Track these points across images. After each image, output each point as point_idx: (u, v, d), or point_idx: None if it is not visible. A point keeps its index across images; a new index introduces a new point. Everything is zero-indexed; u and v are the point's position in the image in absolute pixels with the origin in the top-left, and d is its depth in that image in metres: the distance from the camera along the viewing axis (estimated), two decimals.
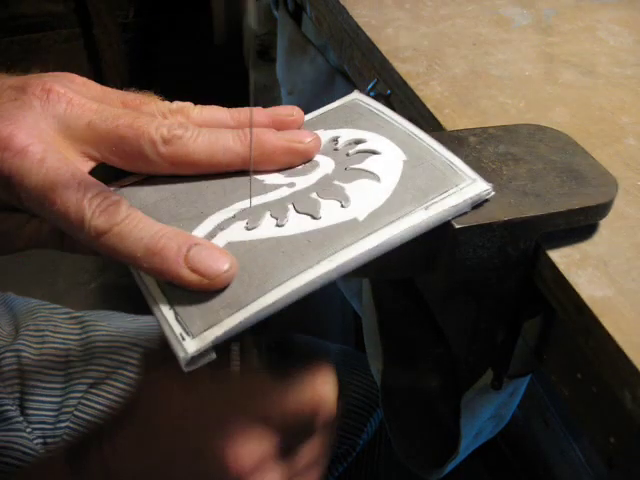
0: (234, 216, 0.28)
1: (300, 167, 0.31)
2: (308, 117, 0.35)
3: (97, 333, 0.61)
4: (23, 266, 1.59)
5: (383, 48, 0.48)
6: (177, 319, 0.25)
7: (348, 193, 0.29)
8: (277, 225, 0.27)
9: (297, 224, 0.27)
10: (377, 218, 0.27)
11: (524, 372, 0.39)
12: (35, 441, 0.54)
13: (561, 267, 0.30)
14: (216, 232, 0.27)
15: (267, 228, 0.27)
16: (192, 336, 0.24)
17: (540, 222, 0.30)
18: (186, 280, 0.25)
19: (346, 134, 0.33)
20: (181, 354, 0.24)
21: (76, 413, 0.57)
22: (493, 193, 0.29)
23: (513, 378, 0.40)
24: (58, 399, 0.57)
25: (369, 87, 0.51)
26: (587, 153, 0.34)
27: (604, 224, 0.32)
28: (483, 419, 0.48)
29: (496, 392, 0.42)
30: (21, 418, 0.55)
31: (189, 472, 0.30)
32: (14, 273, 1.54)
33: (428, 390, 0.50)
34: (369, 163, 0.31)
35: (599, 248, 0.31)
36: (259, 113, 0.32)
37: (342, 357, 0.67)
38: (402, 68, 0.46)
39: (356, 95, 0.36)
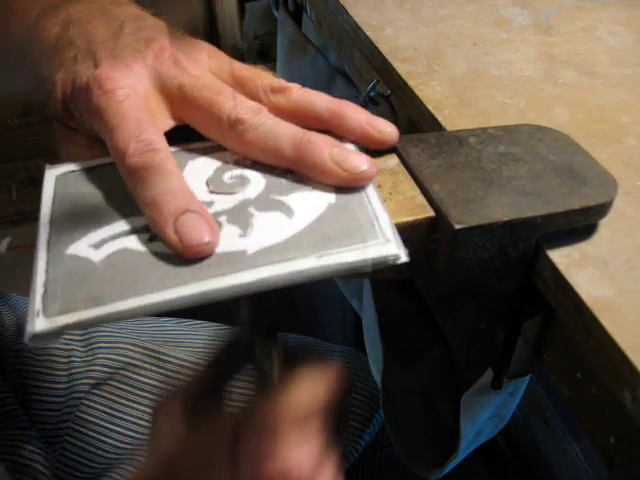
0: (142, 227, 0.29)
1: (229, 182, 0.31)
2: None
3: (100, 333, 0.62)
4: (26, 266, 1.59)
5: (383, 48, 0.48)
6: (43, 296, 0.26)
7: (254, 223, 0.28)
8: None
9: None
10: (265, 255, 0.27)
11: (524, 372, 0.39)
12: (38, 441, 0.54)
13: (561, 267, 0.30)
14: (120, 236, 0.28)
15: (162, 244, 0.28)
16: (46, 316, 0.25)
17: (540, 222, 0.30)
18: (167, 237, 0.27)
19: None
20: (28, 328, 0.25)
21: (78, 414, 0.57)
22: (405, 259, 0.27)
23: (513, 378, 0.40)
24: (60, 399, 0.58)
25: (369, 87, 0.51)
26: (587, 153, 0.34)
27: (604, 224, 0.32)
28: (483, 419, 0.48)
29: (496, 392, 0.42)
30: (26, 417, 0.55)
31: None
32: (17, 273, 1.54)
33: (428, 390, 0.50)
34: (292, 197, 0.30)
35: (599, 248, 0.31)
36: (354, 113, 0.32)
37: (343, 358, 0.67)
38: (402, 68, 0.46)
39: None
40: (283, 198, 0.30)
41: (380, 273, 0.33)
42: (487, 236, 0.29)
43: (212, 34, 1.60)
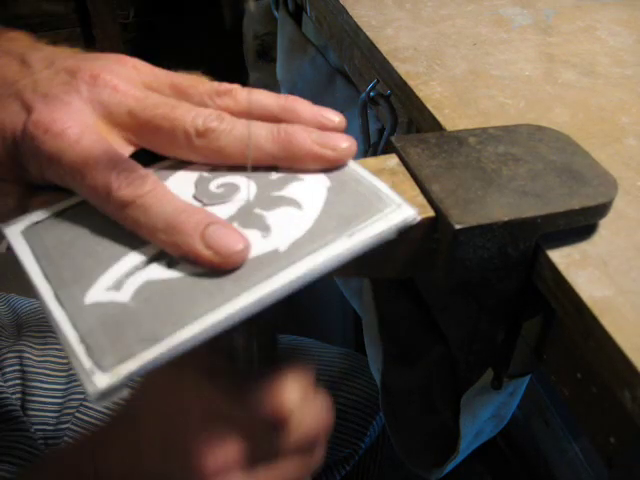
0: (155, 255, 0.27)
1: (219, 191, 0.30)
2: None
3: None
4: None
5: (383, 48, 0.48)
6: (87, 353, 0.24)
7: (269, 222, 0.28)
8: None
9: None
10: (299, 248, 0.27)
11: (524, 372, 0.39)
12: (37, 442, 0.54)
13: (561, 267, 0.30)
14: (135, 270, 0.27)
15: (186, 265, 0.27)
16: (103, 370, 0.23)
17: (540, 222, 0.30)
18: (200, 255, 0.26)
19: None
20: (89, 389, 0.23)
21: (77, 415, 0.57)
22: (419, 218, 0.28)
23: (513, 378, 0.40)
24: (60, 400, 0.58)
25: (369, 87, 0.51)
26: (587, 153, 0.34)
27: (604, 224, 0.32)
28: (483, 419, 0.48)
29: (496, 392, 0.42)
30: (25, 418, 0.55)
31: (156, 471, 0.31)
32: (16, 274, 1.54)
33: (428, 390, 0.50)
34: (290, 190, 0.30)
35: (599, 248, 0.31)
36: (304, 106, 0.32)
37: (343, 360, 0.67)
38: (402, 68, 0.46)
39: None
40: (283, 193, 0.30)
41: (380, 273, 0.33)
42: (487, 236, 0.29)
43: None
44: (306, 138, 0.30)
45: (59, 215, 0.30)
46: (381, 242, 0.27)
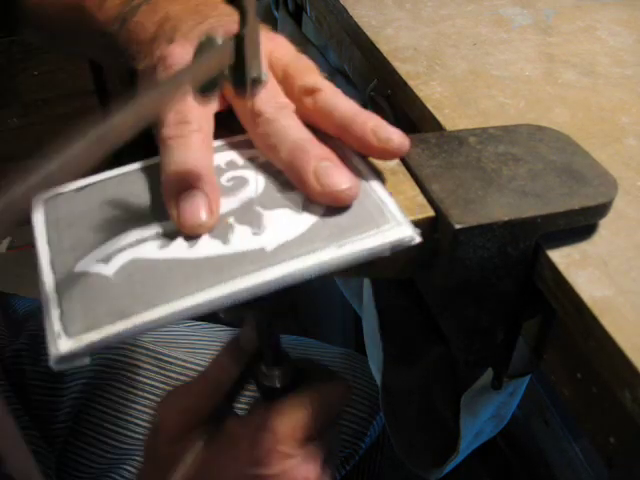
0: (155, 234, 0.28)
1: (228, 184, 0.30)
2: None
3: None
4: (23, 266, 1.59)
5: (383, 48, 0.48)
6: (60, 317, 0.25)
7: (265, 221, 0.28)
8: (188, 247, 0.27)
9: (206, 247, 0.27)
10: (285, 250, 0.27)
11: (524, 372, 0.39)
12: (39, 440, 0.54)
13: (561, 267, 0.30)
14: (125, 248, 0.28)
15: (176, 249, 0.27)
16: (69, 336, 0.24)
17: (540, 222, 0.30)
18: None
19: None
20: (52, 351, 0.24)
21: (78, 414, 0.57)
22: (418, 240, 0.27)
23: (513, 378, 0.40)
24: (61, 399, 0.58)
25: (369, 87, 0.51)
26: (587, 153, 0.34)
27: (604, 224, 0.32)
28: (483, 419, 0.48)
29: (496, 392, 0.42)
30: (27, 417, 0.55)
31: None
32: (15, 273, 1.54)
33: (428, 390, 0.50)
34: (295, 193, 0.30)
35: (599, 248, 0.31)
36: (364, 119, 0.30)
37: (343, 360, 0.67)
38: (402, 68, 0.46)
39: None
40: (288, 194, 0.30)
41: (380, 273, 0.33)
42: (487, 236, 0.29)
43: None
44: (310, 162, 0.29)
45: (79, 190, 0.31)
46: (372, 257, 0.27)
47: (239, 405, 0.37)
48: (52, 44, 0.53)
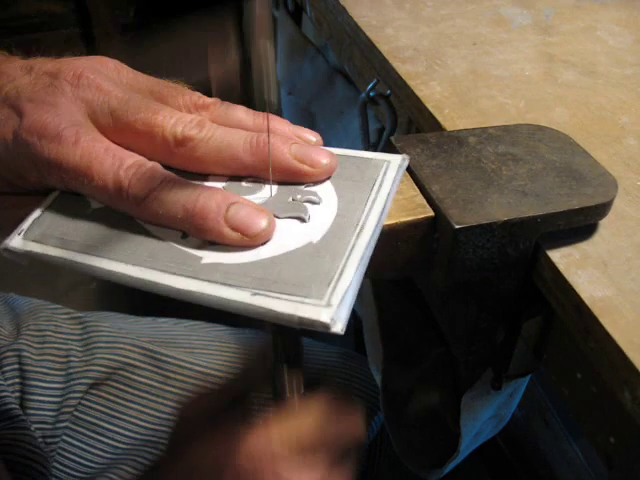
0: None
1: (248, 185, 0.30)
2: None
3: (98, 334, 0.61)
4: (23, 266, 1.59)
5: (383, 48, 0.48)
6: (34, 220, 0.28)
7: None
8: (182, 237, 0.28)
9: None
10: (212, 270, 0.26)
11: (524, 372, 0.39)
12: (38, 440, 0.54)
13: (561, 267, 0.30)
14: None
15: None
16: (24, 237, 0.28)
17: (540, 222, 0.30)
18: (228, 238, 0.26)
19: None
20: (7, 240, 0.27)
21: (76, 413, 0.57)
22: (336, 331, 0.24)
23: (513, 378, 0.40)
24: (58, 399, 0.57)
25: (369, 87, 0.51)
26: (587, 153, 0.34)
27: (604, 224, 0.32)
28: (483, 419, 0.48)
29: (496, 392, 0.42)
30: (24, 417, 0.55)
31: None
32: (14, 273, 1.54)
33: (428, 390, 0.50)
34: (302, 206, 0.29)
35: (599, 248, 0.31)
36: (281, 126, 0.31)
37: (343, 360, 0.67)
38: (402, 68, 0.46)
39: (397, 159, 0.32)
40: (294, 205, 0.29)
41: (380, 273, 0.33)
42: (487, 236, 0.29)
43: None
44: (284, 152, 0.29)
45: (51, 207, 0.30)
46: (282, 322, 0.25)
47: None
48: None
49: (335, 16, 0.57)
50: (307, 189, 0.30)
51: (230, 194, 0.28)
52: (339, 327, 0.24)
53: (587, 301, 0.28)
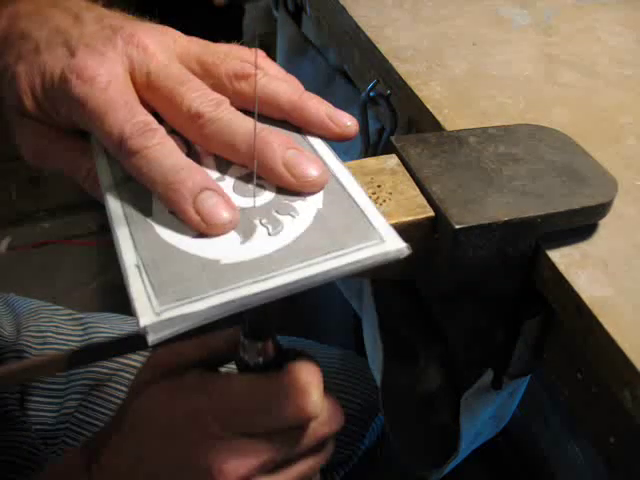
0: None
1: (249, 187, 0.30)
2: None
3: (99, 334, 0.61)
4: (23, 266, 1.59)
5: (383, 48, 0.48)
6: (149, 286, 0.25)
7: (255, 233, 0.28)
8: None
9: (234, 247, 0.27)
10: (241, 269, 0.26)
11: (524, 372, 0.39)
12: (37, 441, 0.54)
13: (561, 267, 0.30)
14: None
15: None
16: (156, 310, 0.24)
17: (540, 222, 0.30)
18: (188, 217, 0.27)
19: None
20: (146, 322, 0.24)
21: (76, 415, 0.57)
22: (406, 253, 0.26)
23: (513, 378, 0.40)
24: (58, 400, 0.57)
25: (369, 87, 0.51)
26: (587, 153, 0.34)
27: (604, 224, 0.32)
28: (483, 419, 0.48)
29: (496, 392, 0.42)
30: (24, 418, 0.55)
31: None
32: (14, 273, 1.54)
33: (428, 390, 0.50)
34: (288, 205, 0.29)
35: (599, 248, 0.31)
36: (315, 106, 0.31)
37: (342, 361, 0.67)
38: (402, 68, 0.46)
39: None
40: (282, 208, 0.29)
41: (380, 273, 0.33)
42: (487, 236, 0.29)
43: None
44: (276, 153, 0.29)
45: None
46: (357, 272, 0.26)
47: None
48: None
49: (335, 16, 0.57)
50: (290, 203, 0.29)
51: (212, 181, 0.28)
52: (405, 249, 0.26)
53: (587, 301, 0.28)
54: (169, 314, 0.24)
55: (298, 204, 0.29)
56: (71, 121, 0.31)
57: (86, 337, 0.61)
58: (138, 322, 0.24)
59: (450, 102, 0.42)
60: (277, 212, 0.28)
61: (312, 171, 0.28)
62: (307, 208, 0.28)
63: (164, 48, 0.33)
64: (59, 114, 0.32)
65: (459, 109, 0.42)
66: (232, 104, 0.31)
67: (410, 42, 0.50)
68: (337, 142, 0.32)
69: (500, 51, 0.49)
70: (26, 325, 0.60)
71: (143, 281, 0.25)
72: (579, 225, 0.31)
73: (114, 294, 1.51)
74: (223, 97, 0.31)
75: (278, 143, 0.29)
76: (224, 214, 0.27)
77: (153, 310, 0.24)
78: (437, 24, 0.53)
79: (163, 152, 0.28)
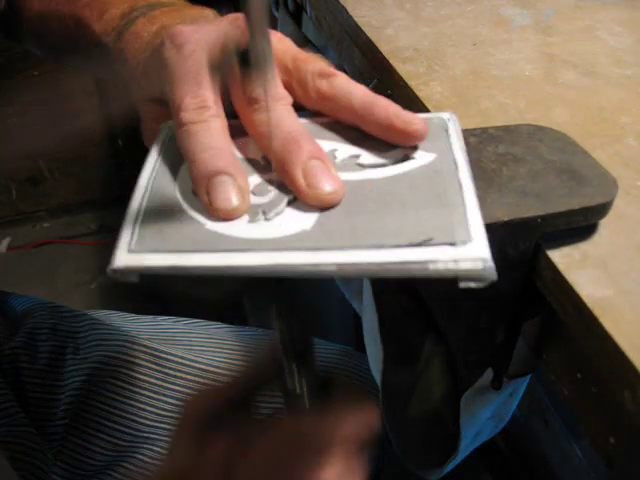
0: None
1: (270, 189, 0.30)
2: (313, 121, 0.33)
3: (98, 331, 0.62)
4: (23, 266, 1.59)
5: (383, 48, 0.48)
6: (131, 236, 0.26)
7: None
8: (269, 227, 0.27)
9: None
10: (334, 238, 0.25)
11: (524, 372, 0.39)
12: (38, 437, 0.54)
13: (561, 267, 0.30)
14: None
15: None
16: (128, 253, 0.26)
17: (540, 222, 0.30)
18: (199, 196, 0.28)
19: (343, 148, 0.31)
20: (113, 261, 0.25)
21: (76, 411, 0.57)
22: (490, 279, 0.24)
23: (513, 378, 0.40)
24: (58, 397, 0.58)
25: (369, 87, 0.51)
26: (587, 153, 0.34)
27: (604, 224, 0.32)
28: (483, 419, 0.48)
29: (496, 392, 0.42)
30: (24, 415, 0.55)
31: None
32: (14, 273, 1.54)
33: (428, 390, 0.50)
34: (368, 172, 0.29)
35: (599, 248, 0.31)
36: (385, 104, 0.31)
37: (343, 357, 0.67)
38: (402, 68, 0.46)
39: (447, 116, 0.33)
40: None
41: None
42: (487, 236, 0.29)
43: None
44: (301, 157, 0.29)
45: None
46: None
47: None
48: (52, 55, 0.53)
49: (335, 16, 0.57)
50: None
51: (234, 167, 0.29)
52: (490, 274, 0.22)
53: (587, 301, 0.28)
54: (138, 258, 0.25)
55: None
56: (159, 86, 0.33)
57: (85, 334, 0.61)
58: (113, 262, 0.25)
59: (450, 102, 0.42)
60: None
61: (326, 186, 0.28)
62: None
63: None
64: (149, 80, 0.34)
65: (459, 109, 0.42)
66: (310, 103, 0.32)
67: (410, 42, 0.50)
68: (404, 144, 0.31)
69: (500, 51, 0.49)
70: (25, 322, 0.61)
71: (135, 221, 0.27)
72: (579, 225, 0.31)
73: (113, 294, 1.51)
74: (288, 96, 0.32)
75: (308, 149, 0.29)
76: (233, 200, 0.27)
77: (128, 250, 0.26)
78: (437, 24, 0.53)
79: (204, 130, 0.29)
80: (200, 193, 0.28)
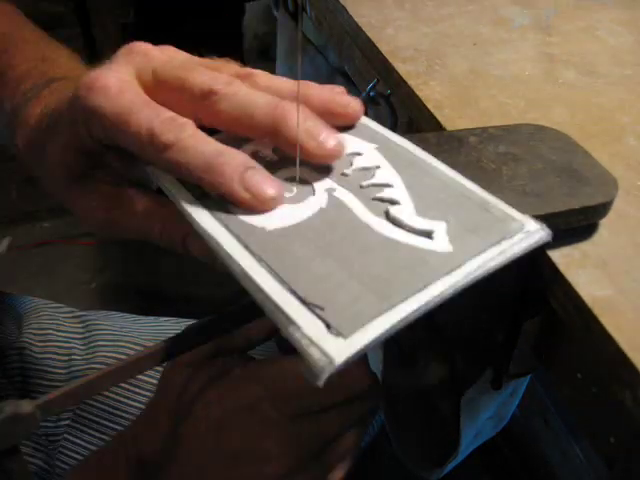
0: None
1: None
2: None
3: (100, 332, 0.62)
4: (23, 266, 1.59)
5: (383, 48, 0.48)
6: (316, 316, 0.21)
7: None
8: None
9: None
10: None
11: (524, 372, 0.39)
12: (41, 438, 0.54)
13: (561, 267, 0.30)
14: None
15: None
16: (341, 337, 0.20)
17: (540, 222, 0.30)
18: (238, 197, 0.27)
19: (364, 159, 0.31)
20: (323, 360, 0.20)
21: (77, 412, 0.57)
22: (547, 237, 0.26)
23: (513, 378, 0.40)
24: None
25: (369, 87, 0.51)
26: (587, 153, 0.34)
27: (604, 224, 0.32)
28: (483, 419, 0.48)
29: (496, 392, 0.42)
30: None
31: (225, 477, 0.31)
32: (14, 273, 1.54)
33: (428, 390, 0.50)
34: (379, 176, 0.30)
35: (599, 248, 0.31)
36: (314, 91, 0.32)
37: None
38: (402, 68, 0.46)
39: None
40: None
41: None
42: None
43: None
44: (292, 130, 0.29)
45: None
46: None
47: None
48: None
49: (335, 16, 0.57)
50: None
51: (253, 160, 0.29)
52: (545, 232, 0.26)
53: (587, 301, 0.28)
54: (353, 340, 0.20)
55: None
56: (91, 137, 0.32)
57: (87, 334, 0.61)
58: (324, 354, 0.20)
59: (450, 102, 0.42)
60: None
61: (331, 140, 0.29)
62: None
63: (166, 54, 0.33)
64: (76, 135, 0.32)
65: (459, 109, 0.42)
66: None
67: (410, 42, 0.50)
68: (342, 125, 0.32)
69: (500, 51, 0.49)
70: (27, 322, 0.61)
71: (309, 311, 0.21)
72: (579, 225, 0.31)
73: (113, 294, 1.51)
74: (231, 77, 0.31)
75: (301, 112, 0.29)
76: (270, 189, 0.27)
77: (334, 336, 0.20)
78: (437, 24, 0.53)
79: (199, 140, 0.29)
80: (237, 193, 0.27)
